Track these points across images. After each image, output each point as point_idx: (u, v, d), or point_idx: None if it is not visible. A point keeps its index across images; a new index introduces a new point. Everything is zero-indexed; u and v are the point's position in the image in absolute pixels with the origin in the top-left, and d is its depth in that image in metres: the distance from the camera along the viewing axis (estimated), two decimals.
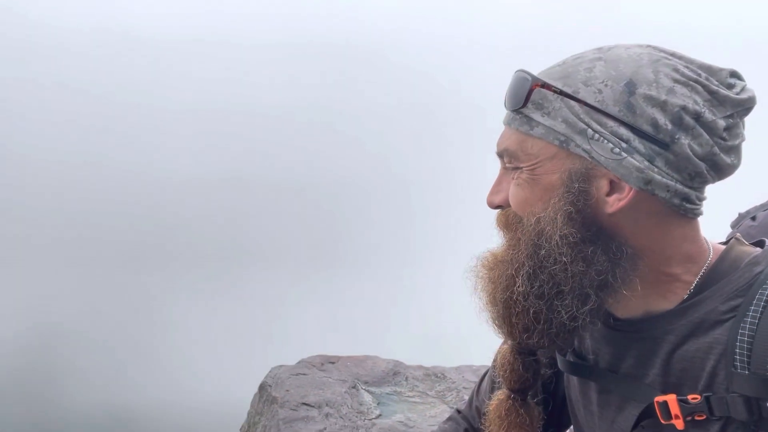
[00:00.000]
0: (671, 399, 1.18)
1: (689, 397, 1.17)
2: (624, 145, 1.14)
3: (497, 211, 1.33)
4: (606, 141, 1.14)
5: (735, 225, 1.45)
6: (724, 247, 1.28)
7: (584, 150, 1.16)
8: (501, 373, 1.38)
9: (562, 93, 1.19)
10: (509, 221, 1.28)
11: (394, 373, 5.30)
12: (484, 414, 1.50)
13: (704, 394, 1.16)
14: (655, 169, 1.14)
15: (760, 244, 1.28)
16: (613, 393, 1.30)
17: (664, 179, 1.15)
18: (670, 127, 1.13)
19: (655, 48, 1.21)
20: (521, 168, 1.23)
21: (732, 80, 1.18)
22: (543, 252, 1.19)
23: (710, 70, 1.17)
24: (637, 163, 1.14)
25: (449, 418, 1.73)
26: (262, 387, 4.95)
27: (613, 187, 1.17)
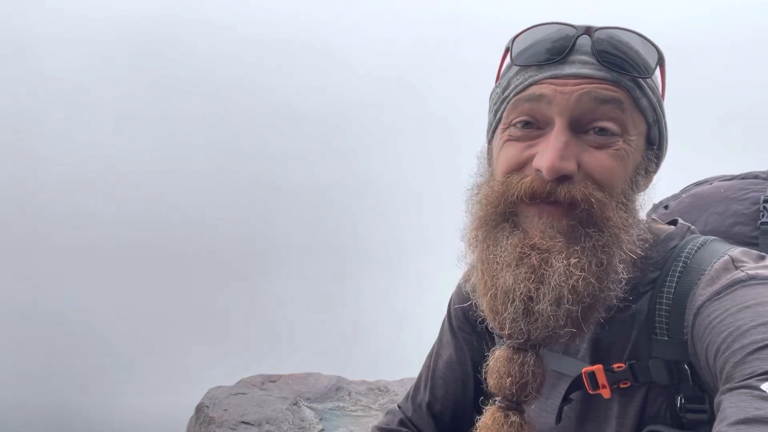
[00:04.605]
0: (598, 369, 1.22)
1: (615, 366, 1.21)
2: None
3: (529, 182, 1.13)
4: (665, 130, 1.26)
5: (650, 214, 1.56)
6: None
7: (661, 134, 1.23)
8: (501, 381, 1.20)
9: (663, 79, 1.21)
10: (586, 194, 1.11)
11: (336, 389, 5.23)
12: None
13: (628, 362, 1.20)
14: None
15: (673, 222, 1.36)
16: (549, 371, 1.32)
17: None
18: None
19: None
20: (622, 137, 1.14)
21: None
22: (631, 233, 1.15)
23: None
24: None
25: (388, 412, 1.74)
26: (199, 408, 4.79)
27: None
